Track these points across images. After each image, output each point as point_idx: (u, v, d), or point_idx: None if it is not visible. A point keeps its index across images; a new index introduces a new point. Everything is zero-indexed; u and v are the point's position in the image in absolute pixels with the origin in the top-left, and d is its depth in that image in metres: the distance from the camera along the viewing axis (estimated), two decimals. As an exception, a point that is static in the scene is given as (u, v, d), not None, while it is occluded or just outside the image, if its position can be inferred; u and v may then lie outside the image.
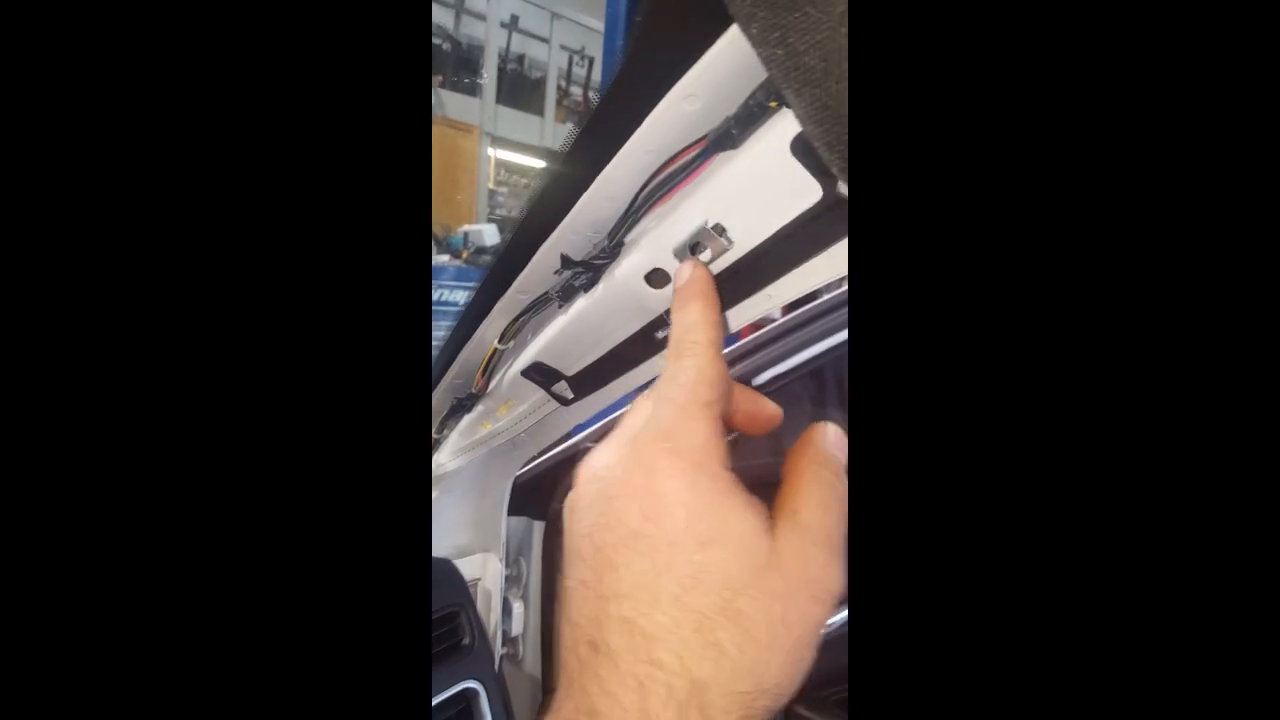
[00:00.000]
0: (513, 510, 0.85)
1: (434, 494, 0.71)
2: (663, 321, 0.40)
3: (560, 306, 0.45)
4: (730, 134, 0.30)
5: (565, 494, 0.88)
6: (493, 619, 0.76)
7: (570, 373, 0.50)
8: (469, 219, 7.02)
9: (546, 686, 0.90)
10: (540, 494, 0.88)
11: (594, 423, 0.92)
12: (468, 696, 0.62)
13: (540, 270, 0.43)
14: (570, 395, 0.52)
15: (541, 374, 0.51)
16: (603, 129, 0.33)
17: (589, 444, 0.88)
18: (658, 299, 0.39)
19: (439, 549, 0.72)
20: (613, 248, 0.38)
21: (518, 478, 0.85)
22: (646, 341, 0.42)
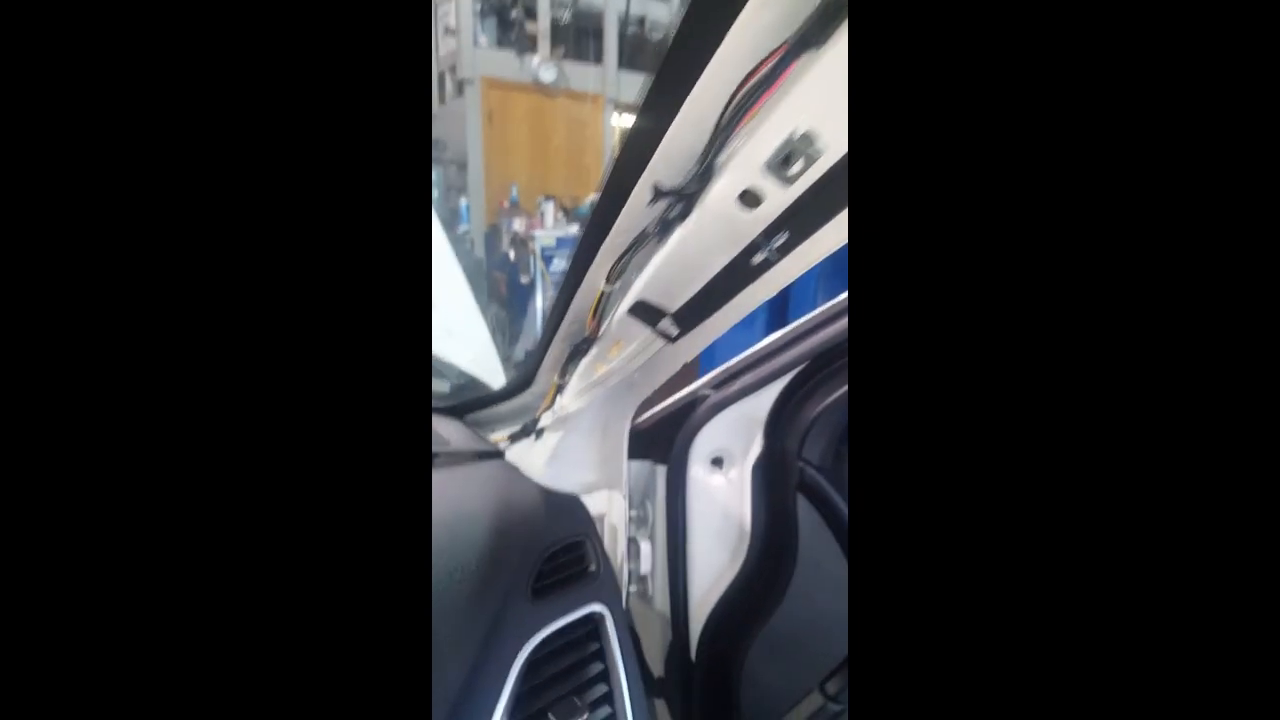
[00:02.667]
0: (637, 454, 0.89)
1: (558, 434, 0.76)
2: (758, 245, 0.40)
3: (659, 241, 0.46)
4: (811, 34, 0.29)
5: (687, 439, 0.89)
6: (618, 550, 0.81)
7: (673, 309, 0.51)
8: (596, 188, 7.14)
9: (677, 629, 0.95)
10: (663, 439, 0.91)
11: (711, 368, 0.93)
12: (594, 620, 0.67)
13: (638, 206, 0.44)
14: (675, 331, 0.53)
15: (646, 312, 0.53)
16: (683, 55, 0.34)
17: (707, 391, 0.89)
18: (752, 221, 0.39)
19: (566, 486, 0.78)
20: (703, 173, 0.39)
21: (641, 423, 0.89)
22: (744, 269, 0.42)
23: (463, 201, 5.94)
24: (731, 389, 0.86)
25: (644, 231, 0.47)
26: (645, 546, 0.92)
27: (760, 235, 0.39)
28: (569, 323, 0.65)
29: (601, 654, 0.66)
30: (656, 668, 0.99)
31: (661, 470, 0.93)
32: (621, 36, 8.06)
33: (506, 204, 5.67)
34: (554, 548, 0.68)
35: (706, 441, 0.88)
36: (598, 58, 7.62)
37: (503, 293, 5.13)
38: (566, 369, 0.71)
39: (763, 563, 0.90)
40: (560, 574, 0.67)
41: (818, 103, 0.31)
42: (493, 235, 5.63)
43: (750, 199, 0.37)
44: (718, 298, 0.47)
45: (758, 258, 0.41)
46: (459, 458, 0.81)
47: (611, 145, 8.16)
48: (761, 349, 0.90)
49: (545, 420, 0.77)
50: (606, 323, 0.59)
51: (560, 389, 0.73)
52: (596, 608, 0.67)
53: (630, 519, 0.90)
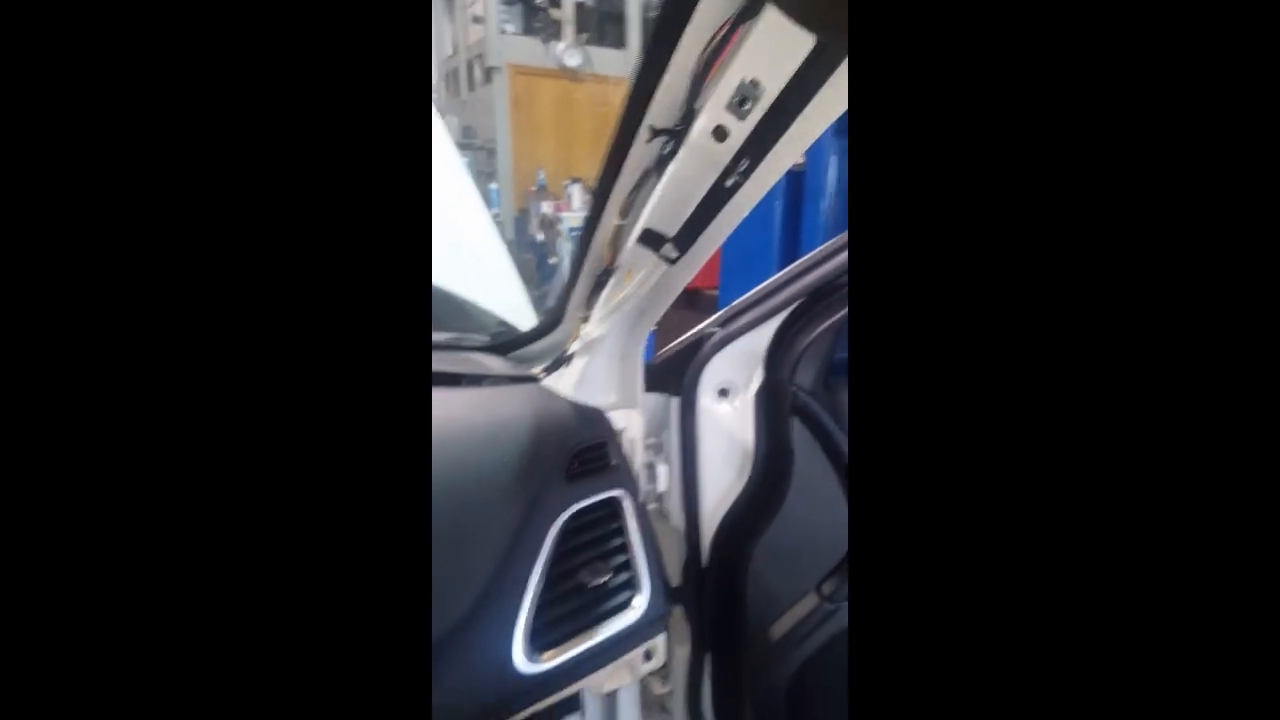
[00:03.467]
0: (653, 388, 1.02)
1: (584, 360, 0.90)
2: (729, 171, 0.53)
3: (657, 176, 0.59)
4: (749, 9, 0.42)
5: (695, 373, 1.02)
6: (636, 461, 0.94)
7: (672, 234, 0.64)
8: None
9: (691, 540, 1.08)
10: (675, 374, 1.03)
11: (731, 297, 1.06)
12: (615, 503, 0.81)
13: (640, 147, 0.57)
14: (675, 254, 0.66)
15: (651, 239, 0.66)
16: (666, 26, 0.47)
17: (714, 329, 1.02)
18: (724, 151, 0.52)
19: (593, 402, 0.91)
20: (686, 115, 0.52)
21: (656, 361, 1.02)
22: (720, 192, 0.55)
23: (492, 186, 6.08)
24: (735, 326, 0.99)
25: (646, 170, 0.60)
26: (662, 469, 1.05)
27: (730, 162, 0.52)
28: (591, 259, 0.78)
29: (621, 530, 0.80)
30: (674, 577, 1.12)
31: (675, 402, 1.06)
32: (644, 20, 8.07)
33: (534, 188, 5.81)
34: (582, 445, 0.81)
35: (713, 374, 1.00)
36: (621, 42, 7.67)
37: (533, 273, 5.28)
38: (590, 301, 0.84)
39: (764, 480, 1.03)
40: (588, 466, 0.81)
41: (758, 58, 0.44)
42: (522, 219, 5.77)
43: (719, 133, 0.50)
44: (704, 219, 0.60)
45: (729, 181, 0.54)
46: (502, 379, 0.95)
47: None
48: (762, 289, 1.02)
49: (573, 348, 0.91)
50: (621, 254, 0.72)
51: (585, 320, 0.87)
52: (617, 493, 0.81)
53: (648, 446, 1.04)
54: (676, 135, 0.53)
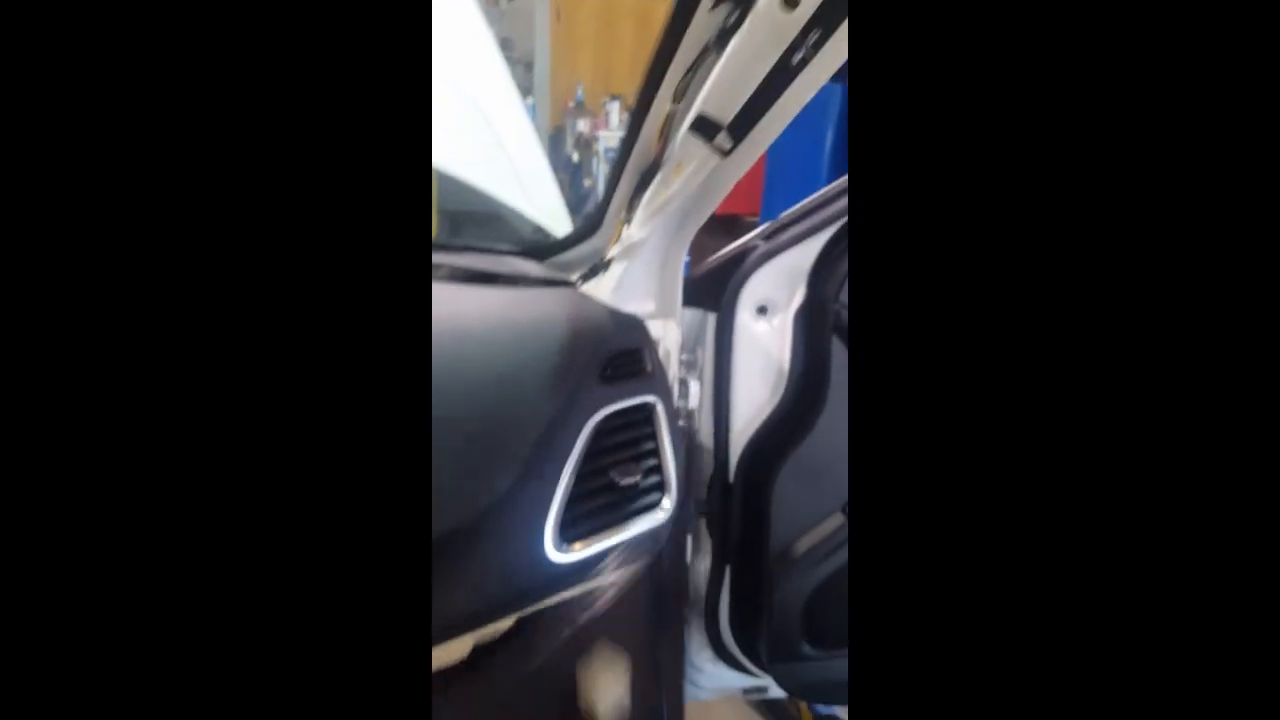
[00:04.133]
0: (690, 303, 1.00)
1: (623, 264, 0.88)
2: (797, 45, 0.49)
3: (717, 53, 0.55)
4: None
5: (735, 288, 0.99)
6: (670, 373, 0.93)
7: (727, 120, 0.60)
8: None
9: (719, 457, 1.08)
10: (714, 288, 1.01)
11: (762, 223, 1.02)
12: (648, 408, 0.80)
13: (703, 18, 0.53)
14: (729, 144, 0.62)
15: (705, 127, 0.62)
16: None
17: (758, 242, 0.98)
18: (792, 22, 0.47)
19: (630, 309, 0.90)
20: None
21: (695, 274, 0.99)
22: (786, 69, 0.51)
23: (529, 102, 5.92)
24: (780, 240, 0.95)
25: (705, 46, 0.56)
26: (694, 386, 1.04)
27: (798, 34, 0.47)
28: (638, 152, 0.75)
29: (653, 435, 0.80)
30: (699, 491, 1.13)
31: (712, 318, 1.04)
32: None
33: (571, 104, 5.63)
34: (618, 349, 0.80)
35: (753, 290, 0.97)
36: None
37: (567, 194, 5.19)
38: (633, 202, 0.81)
39: (798, 399, 1.02)
40: (622, 370, 0.80)
41: None
42: (557, 137, 5.62)
43: (790, 0, 0.46)
44: (765, 101, 0.55)
45: (797, 56, 0.49)
46: (538, 281, 0.94)
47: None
48: (808, 203, 0.97)
49: (612, 252, 0.89)
50: (671, 144, 0.69)
51: (627, 222, 0.84)
52: (651, 398, 0.80)
53: (682, 362, 1.02)
54: (742, 3, 0.49)
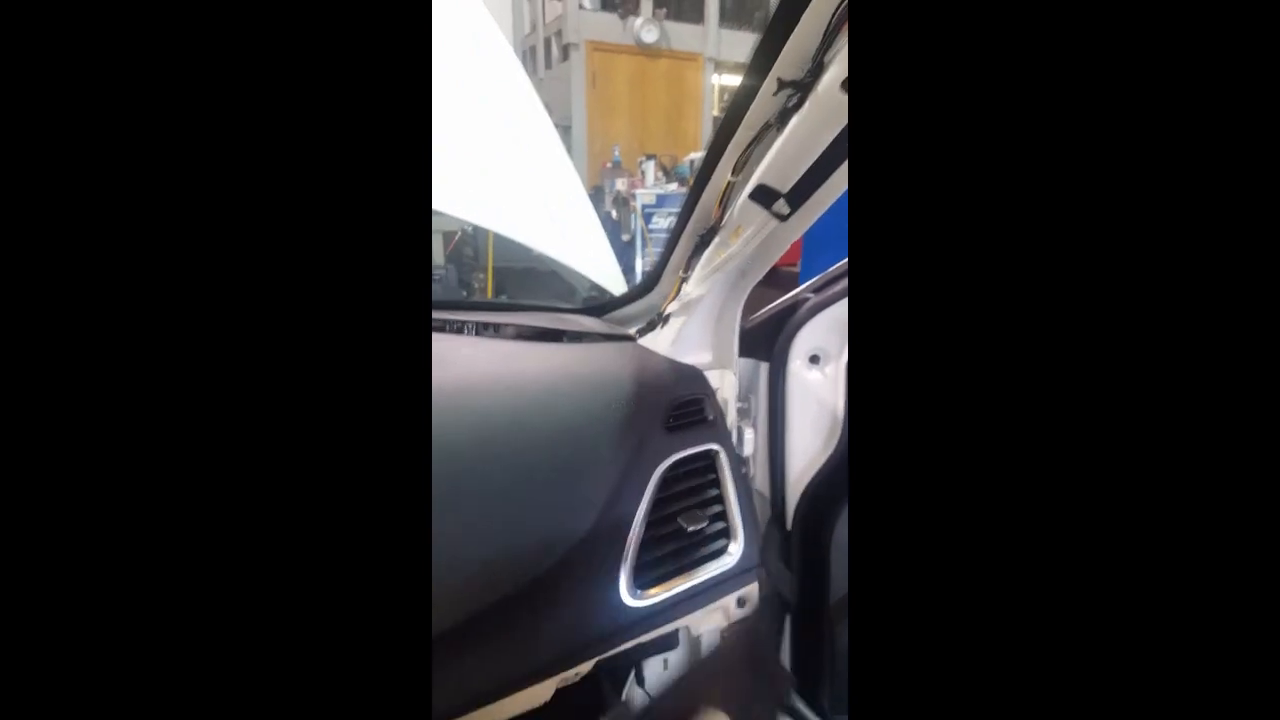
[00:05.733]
0: (744, 353, 1.04)
1: (681, 320, 0.92)
2: None
3: (778, 130, 0.61)
4: None
5: (788, 339, 1.03)
6: (729, 418, 0.97)
7: (785, 189, 0.65)
8: (695, 147, 7.23)
9: (775, 505, 1.10)
10: (766, 339, 1.05)
11: (812, 276, 1.06)
12: (712, 455, 0.84)
13: (765, 99, 0.58)
14: (787, 210, 0.68)
15: (764, 195, 0.67)
16: None
17: (808, 294, 1.03)
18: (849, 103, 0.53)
19: (690, 360, 0.94)
20: (815, 68, 0.53)
21: (748, 325, 1.04)
22: (842, 143, 0.56)
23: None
24: (830, 292, 0.99)
25: (767, 123, 0.61)
26: (749, 433, 1.07)
27: None
28: (697, 217, 0.80)
29: (717, 481, 0.83)
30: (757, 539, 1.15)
31: (764, 367, 1.07)
32: (723, -6, 7.90)
33: (609, 165, 5.85)
34: (680, 399, 0.84)
35: (806, 340, 1.01)
36: (698, 17, 7.55)
37: (605, 250, 5.32)
38: (691, 261, 0.87)
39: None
40: (685, 419, 0.84)
41: None
42: (595, 196, 5.83)
43: (846, 85, 0.51)
44: (823, 172, 0.61)
45: (854, 133, 0.55)
46: (599, 337, 0.99)
47: (711, 103, 8.15)
48: (857, 257, 1.01)
49: (670, 308, 0.94)
50: (729, 211, 0.74)
51: (685, 280, 0.90)
52: (714, 446, 0.84)
53: (737, 410, 1.06)
54: (803, 87, 0.55)
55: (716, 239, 0.79)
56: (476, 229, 3.38)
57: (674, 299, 0.94)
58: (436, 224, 3.55)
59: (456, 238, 3.84)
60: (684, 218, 0.84)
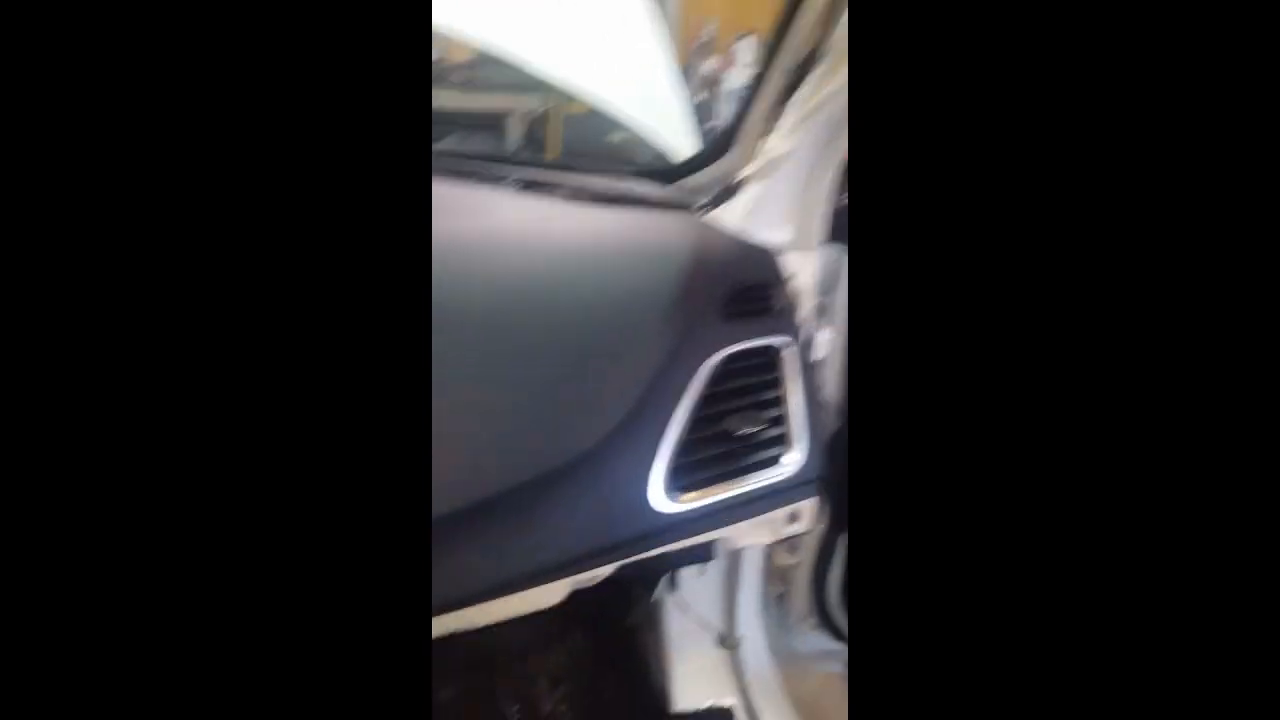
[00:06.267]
0: (834, 236, 0.87)
1: (759, 185, 0.77)
2: None
3: None
4: None
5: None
6: (803, 312, 0.82)
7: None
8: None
9: (843, 416, 0.97)
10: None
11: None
12: (772, 351, 0.71)
13: None
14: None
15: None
16: None
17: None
18: None
19: (764, 237, 0.79)
20: None
21: (843, 200, 0.86)
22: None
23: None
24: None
25: None
26: (824, 334, 0.93)
27: None
28: (789, 46, 0.63)
29: (778, 381, 0.70)
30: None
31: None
32: None
33: (699, 42, 5.37)
34: (744, 284, 0.71)
35: None
36: None
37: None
38: (777, 109, 0.69)
39: None
40: (748, 307, 0.70)
41: None
42: (681, 77, 5.43)
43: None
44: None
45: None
46: (659, 205, 0.85)
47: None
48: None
49: (746, 171, 0.78)
50: (833, 29, 0.56)
51: (767, 134, 0.73)
52: (778, 340, 0.70)
53: (815, 305, 0.91)
54: None
55: (815, 70, 0.62)
56: (548, 109, 3.22)
57: (752, 160, 0.77)
58: (513, 102, 3.36)
59: (531, 117, 3.65)
60: (771, 51, 0.66)
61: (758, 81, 0.70)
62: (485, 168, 0.91)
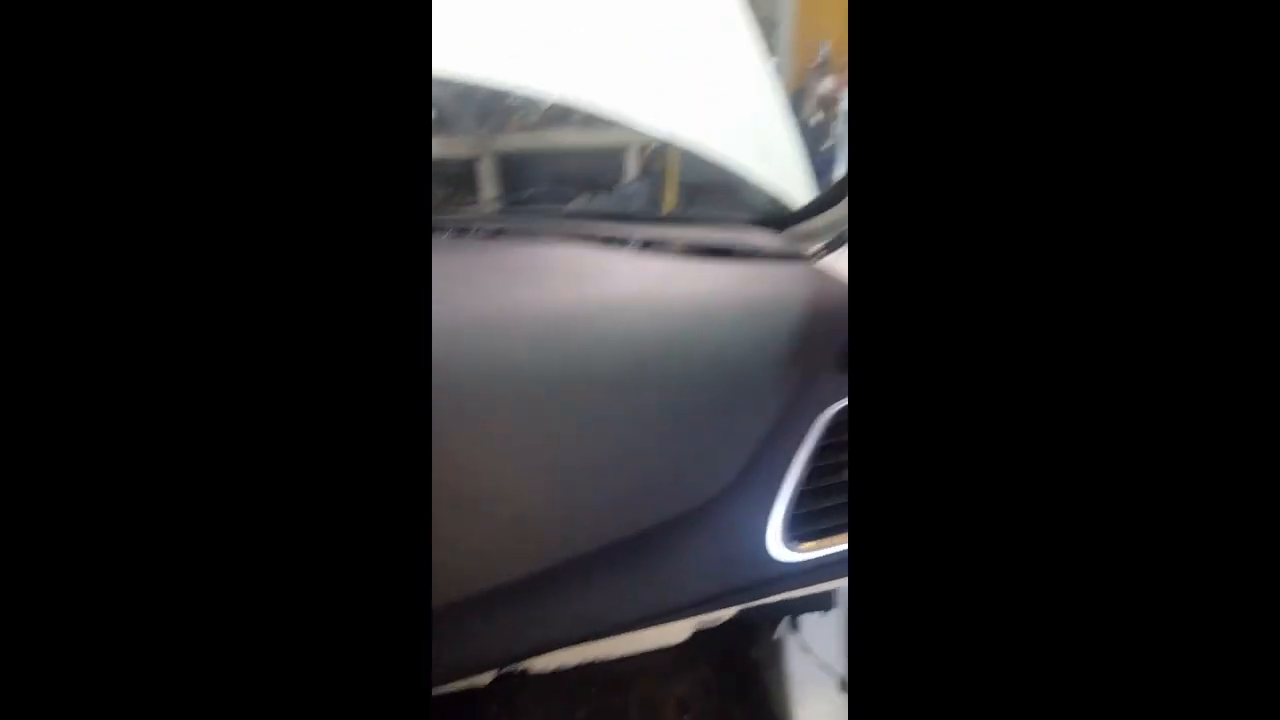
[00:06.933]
0: None
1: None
2: None
3: None
4: None
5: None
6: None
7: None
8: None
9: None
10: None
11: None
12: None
13: None
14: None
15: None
16: None
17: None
18: None
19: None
20: None
21: None
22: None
23: (773, 61, 5.73)
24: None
25: None
26: None
27: None
28: None
29: (898, 433, 0.71)
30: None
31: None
32: None
33: (815, 63, 5.32)
34: None
35: None
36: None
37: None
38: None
39: None
40: None
41: None
42: (797, 99, 5.39)
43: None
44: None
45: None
46: (773, 256, 0.88)
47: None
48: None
49: (860, 222, 0.80)
50: None
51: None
52: None
53: None
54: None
55: (849, 202, 0.63)
56: (666, 143, 3.30)
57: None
58: (630, 138, 3.51)
59: (649, 150, 3.79)
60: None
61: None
62: (609, 228, 0.98)
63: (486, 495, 0.53)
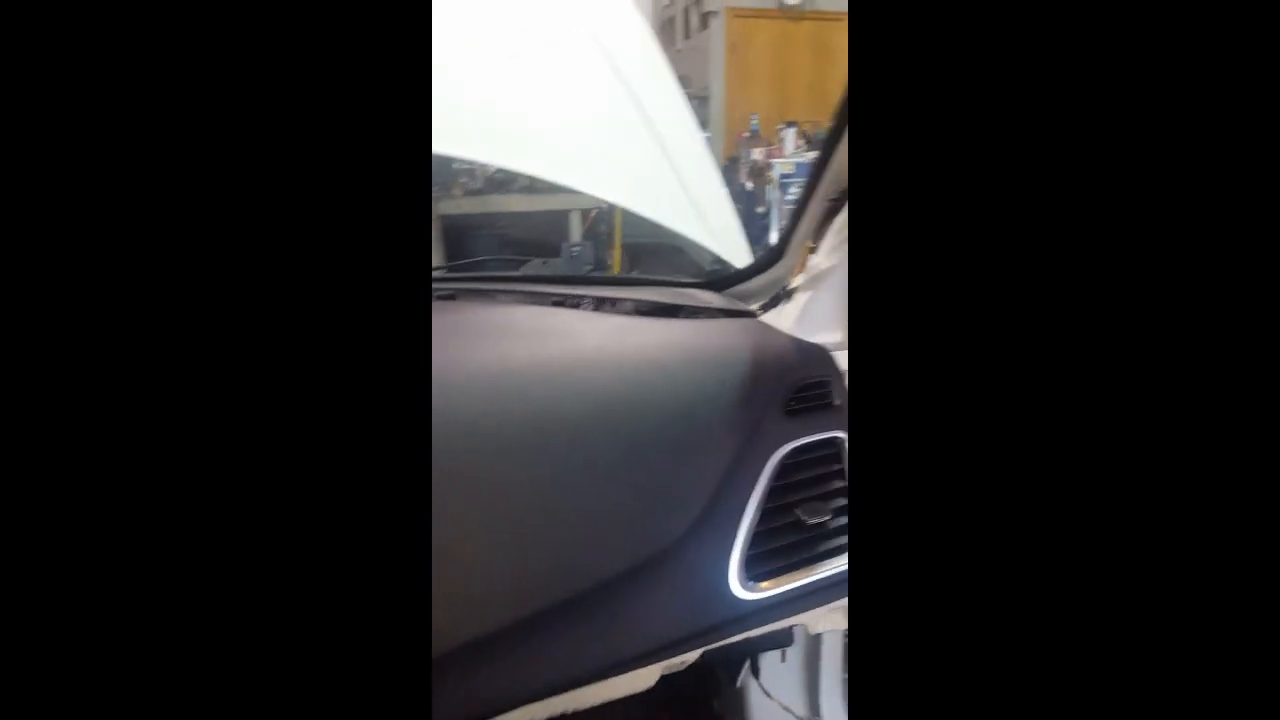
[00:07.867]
0: None
1: (808, 294, 0.85)
2: None
3: None
4: None
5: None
6: (859, 404, 0.88)
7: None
8: (839, 113, 6.77)
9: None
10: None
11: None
12: (837, 444, 0.77)
13: None
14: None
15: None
16: None
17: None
18: None
19: (817, 339, 0.87)
20: None
21: None
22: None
23: (705, 135, 6.06)
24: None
25: None
26: None
27: None
28: (827, 180, 0.73)
29: (842, 472, 0.76)
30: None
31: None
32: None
33: (746, 134, 5.66)
34: (803, 381, 0.78)
35: None
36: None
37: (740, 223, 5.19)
38: (821, 230, 0.79)
39: None
40: (808, 403, 0.77)
41: None
42: (730, 167, 5.68)
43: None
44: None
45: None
46: (718, 312, 0.94)
47: (859, 65, 7.57)
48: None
49: (796, 282, 0.87)
50: None
51: (813, 250, 0.82)
52: (840, 434, 0.77)
53: None
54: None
55: (849, 204, 0.71)
56: (610, 205, 3.42)
57: (800, 272, 0.86)
58: (573, 202, 3.62)
59: (592, 215, 3.92)
60: (813, 182, 0.76)
61: (801, 205, 0.80)
62: (561, 290, 1.03)
63: (448, 552, 0.54)
